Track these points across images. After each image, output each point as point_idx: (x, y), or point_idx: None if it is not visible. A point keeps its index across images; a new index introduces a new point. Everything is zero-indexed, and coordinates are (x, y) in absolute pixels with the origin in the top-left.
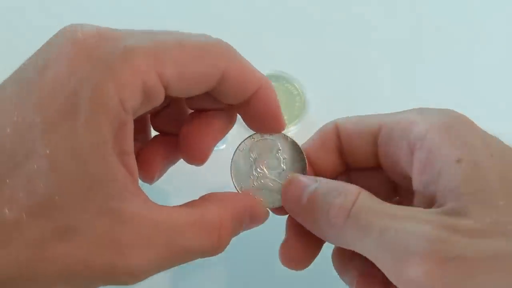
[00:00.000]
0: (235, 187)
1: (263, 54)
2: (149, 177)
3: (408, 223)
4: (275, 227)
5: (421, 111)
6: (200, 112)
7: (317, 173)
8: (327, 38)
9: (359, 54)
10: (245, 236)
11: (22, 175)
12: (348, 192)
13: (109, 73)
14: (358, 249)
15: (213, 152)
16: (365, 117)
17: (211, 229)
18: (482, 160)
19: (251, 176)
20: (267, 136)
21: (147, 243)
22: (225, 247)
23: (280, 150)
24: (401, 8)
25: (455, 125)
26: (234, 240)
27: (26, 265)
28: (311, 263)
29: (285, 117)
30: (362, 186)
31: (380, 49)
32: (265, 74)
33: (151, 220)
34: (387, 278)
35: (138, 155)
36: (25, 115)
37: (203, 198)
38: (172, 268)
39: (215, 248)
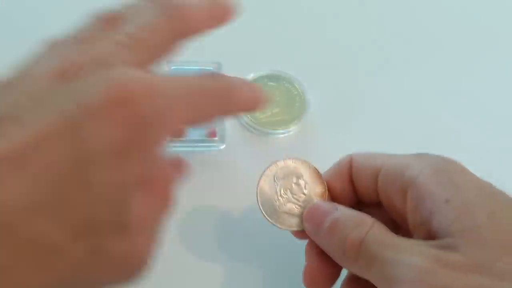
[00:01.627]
0: (260, 210)
1: (263, 54)
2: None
3: (405, 255)
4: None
5: (418, 156)
6: None
7: (334, 200)
8: (327, 38)
9: (359, 54)
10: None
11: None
12: (363, 223)
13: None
14: (366, 277)
15: (213, 152)
16: (373, 155)
17: None
18: (469, 199)
19: (275, 201)
20: (290, 163)
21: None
22: None
23: (302, 175)
24: (402, 8)
25: (446, 168)
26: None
27: (60, 285)
28: (333, 285)
29: (285, 117)
30: None
31: (380, 49)
32: (265, 74)
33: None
34: None
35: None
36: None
37: None
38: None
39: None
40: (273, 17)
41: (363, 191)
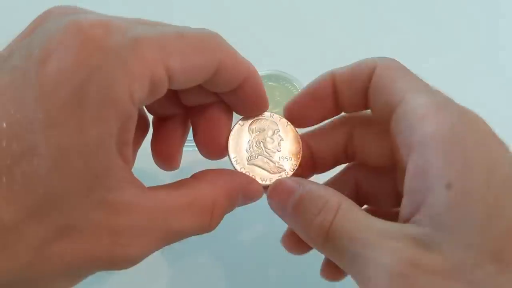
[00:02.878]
0: (229, 158)
1: (263, 54)
2: (176, 165)
3: (376, 252)
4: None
5: (439, 107)
6: (202, 110)
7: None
8: (327, 38)
9: (359, 55)
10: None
11: (20, 174)
12: (328, 206)
13: (120, 65)
14: (336, 263)
15: None
16: (396, 76)
17: (204, 210)
18: (473, 190)
19: (247, 151)
20: (267, 115)
21: (143, 230)
22: (217, 225)
23: (278, 131)
24: (401, 8)
25: (464, 137)
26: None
27: (26, 268)
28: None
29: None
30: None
31: (380, 49)
32: (265, 74)
33: (146, 208)
34: None
35: (156, 146)
36: (24, 109)
37: (196, 177)
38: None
39: (207, 227)
40: (273, 17)
41: (376, 111)
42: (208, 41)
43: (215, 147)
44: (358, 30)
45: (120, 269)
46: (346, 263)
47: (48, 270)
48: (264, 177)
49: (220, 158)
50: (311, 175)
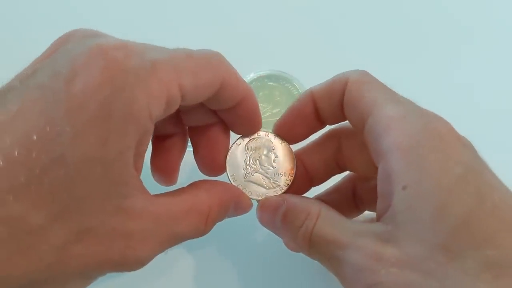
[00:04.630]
0: (227, 175)
1: (263, 54)
2: (174, 181)
3: (347, 251)
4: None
5: (404, 116)
6: (202, 130)
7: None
8: (327, 38)
9: (359, 55)
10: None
11: (47, 182)
12: (309, 216)
13: (140, 85)
14: (323, 266)
15: None
16: (367, 91)
17: (201, 215)
18: (425, 191)
19: (243, 169)
20: (263, 134)
21: (151, 234)
22: (210, 230)
23: (273, 149)
24: (401, 8)
25: (422, 144)
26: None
27: (47, 268)
28: None
29: None
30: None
31: (380, 49)
32: (265, 74)
33: (153, 213)
34: None
35: (155, 163)
36: (53, 123)
37: (194, 185)
38: None
39: (202, 231)
40: (274, 17)
41: (353, 123)
42: (213, 60)
43: (214, 165)
44: (358, 30)
45: (130, 270)
46: (327, 265)
47: (66, 271)
48: (260, 193)
49: (218, 175)
50: (309, 188)
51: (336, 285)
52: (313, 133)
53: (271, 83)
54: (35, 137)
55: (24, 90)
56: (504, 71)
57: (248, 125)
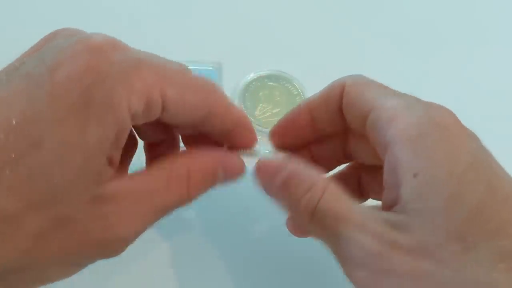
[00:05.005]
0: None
1: (263, 54)
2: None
3: (357, 232)
4: None
5: (408, 106)
6: (195, 138)
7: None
8: (327, 38)
9: (359, 55)
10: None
11: (24, 166)
12: (315, 187)
13: (123, 78)
14: (319, 239)
15: None
16: (367, 90)
17: (181, 181)
18: (437, 178)
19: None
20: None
21: (130, 212)
22: (197, 196)
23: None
24: (401, 8)
25: (430, 132)
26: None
27: (24, 255)
28: None
29: None
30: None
31: (379, 49)
32: (265, 74)
33: (131, 192)
34: None
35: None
36: (34, 108)
37: (174, 155)
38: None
39: (186, 198)
40: (274, 17)
41: (353, 124)
42: (205, 86)
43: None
44: (358, 30)
45: (115, 252)
46: (328, 239)
47: (43, 258)
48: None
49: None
50: None
51: (334, 283)
52: (307, 143)
53: (271, 83)
54: (14, 121)
55: (10, 80)
56: (504, 71)
57: (243, 147)
